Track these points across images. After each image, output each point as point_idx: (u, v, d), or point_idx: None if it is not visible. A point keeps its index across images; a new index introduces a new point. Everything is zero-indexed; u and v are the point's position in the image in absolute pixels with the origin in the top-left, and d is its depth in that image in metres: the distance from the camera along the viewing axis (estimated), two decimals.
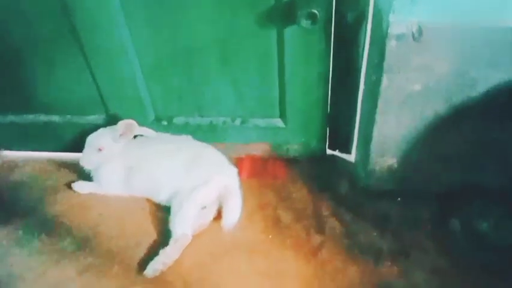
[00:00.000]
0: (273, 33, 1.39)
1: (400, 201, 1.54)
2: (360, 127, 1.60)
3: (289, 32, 1.37)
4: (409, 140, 1.43)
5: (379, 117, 1.37)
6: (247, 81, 1.54)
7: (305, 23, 1.27)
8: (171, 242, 1.37)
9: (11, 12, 1.42)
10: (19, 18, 1.44)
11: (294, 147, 1.71)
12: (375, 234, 1.45)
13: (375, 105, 1.35)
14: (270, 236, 1.46)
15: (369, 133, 1.46)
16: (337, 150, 1.74)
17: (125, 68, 1.52)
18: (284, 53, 1.41)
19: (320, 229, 1.49)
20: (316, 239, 1.45)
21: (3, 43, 1.51)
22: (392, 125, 1.40)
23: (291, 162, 1.74)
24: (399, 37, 1.19)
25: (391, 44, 1.21)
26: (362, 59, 1.45)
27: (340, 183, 1.66)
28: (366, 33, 1.38)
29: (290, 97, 1.54)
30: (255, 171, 1.72)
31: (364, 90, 1.50)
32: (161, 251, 1.36)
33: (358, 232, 1.46)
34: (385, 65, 1.25)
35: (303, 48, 1.39)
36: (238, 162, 1.68)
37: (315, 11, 1.25)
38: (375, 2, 1.27)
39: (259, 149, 1.73)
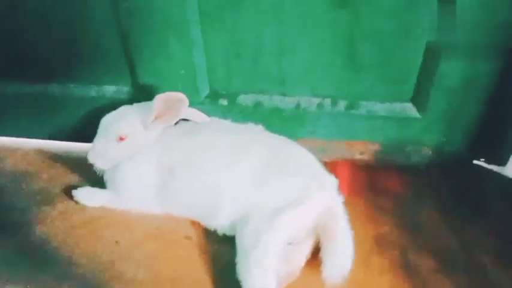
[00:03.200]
0: None
1: None
2: None
3: None
4: None
5: None
6: (372, 36, 1.20)
7: None
8: None
9: None
10: None
11: (424, 151, 1.37)
12: None
13: None
14: None
15: None
16: (481, 159, 1.39)
17: (173, 8, 1.23)
18: None
19: None
20: None
21: None
22: None
23: (414, 173, 1.41)
24: None
25: None
26: None
27: (503, 210, 1.28)
28: None
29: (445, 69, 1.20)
30: (360, 184, 1.39)
31: None
32: None
33: None
34: None
35: None
36: (332, 170, 1.27)
37: None
38: None
39: (366, 150, 1.41)
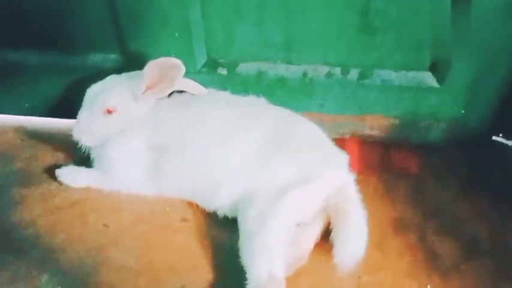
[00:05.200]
0: None
1: None
2: None
3: None
4: None
5: None
6: None
7: None
8: None
9: None
10: None
11: (441, 126, 1.33)
12: None
13: None
14: None
15: None
16: (500, 135, 1.37)
17: None
18: None
19: None
20: None
21: None
22: None
23: (431, 150, 1.38)
24: None
25: None
26: None
27: None
28: None
29: (465, 35, 1.13)
30: (372, 162, 1.36)
31: None
32: None
33: None
34: None
35: None
36: (342, 146, 1.26)
37: None
38: None
39: (378, 126, 1.38)
